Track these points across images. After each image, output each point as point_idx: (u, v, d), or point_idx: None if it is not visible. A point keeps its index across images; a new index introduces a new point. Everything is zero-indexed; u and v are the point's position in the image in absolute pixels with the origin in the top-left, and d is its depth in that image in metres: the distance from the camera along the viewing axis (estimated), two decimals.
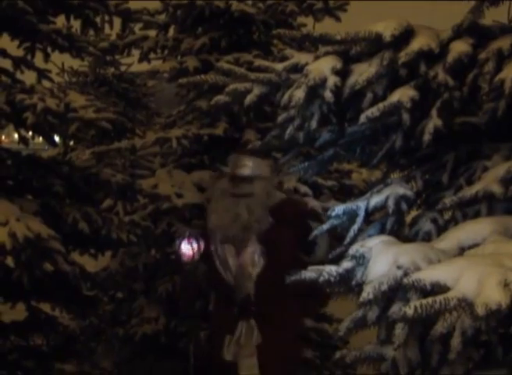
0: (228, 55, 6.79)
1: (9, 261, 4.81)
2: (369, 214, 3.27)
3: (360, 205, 3.24)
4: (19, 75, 5.64)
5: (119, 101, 11.09)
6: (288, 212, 4.76)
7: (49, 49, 5.58)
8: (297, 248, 4.62)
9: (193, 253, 4.59)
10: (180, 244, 4.63)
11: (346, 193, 7.71)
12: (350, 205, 3.25)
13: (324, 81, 3.12)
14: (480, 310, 2.07)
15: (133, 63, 11.30)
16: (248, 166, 4.70)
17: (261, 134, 6.69)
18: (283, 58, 3.55)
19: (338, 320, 7.18)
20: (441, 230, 3.10)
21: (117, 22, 6.20)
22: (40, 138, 5.54)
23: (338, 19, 7.12)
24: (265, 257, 4.63)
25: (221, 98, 3.47)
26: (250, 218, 4.60)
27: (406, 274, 2.38)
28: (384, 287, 2.39)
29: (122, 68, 11.70)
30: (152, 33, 7.40)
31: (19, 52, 5.69)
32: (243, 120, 6.83)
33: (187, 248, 4.60)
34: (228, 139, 6.83)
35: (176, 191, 6.48)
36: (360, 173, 10.03)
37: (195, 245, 4.60)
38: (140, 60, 7.37)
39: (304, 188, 6.63)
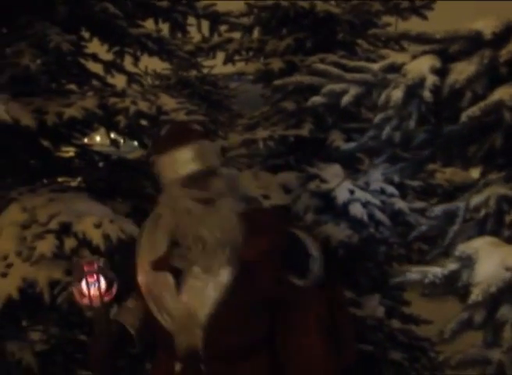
0: (313, 56, 6.77)
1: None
2: (469, 215, 3.23)
3: (460, 205, 3.21)
4: (109, 79, 5.74)
5: (202, 103, 11.18)
6: (267, 219, 3.19)
7: (138, 53, 5.66)
8: (281, 270, 3.05)
9: (97, 295, 3.20)
10: (79, 278, 3.21)
11: (429, 193, 7.62)
12: (449, 206, 3.21)
13: (423, 81, 3.09)
14: None
15: (215, 65, 11.39)
16: (191, 158, 3.08)
17: (346, 135, 6.66)
18: (375, 58, 3.52)
19: (425, 322, 7.11)
20: None
21: (203, 24, 6.26)
22: (123, 141, 5.61)
23: (425, 17, 7.04)
24: (226, 288, 3.05)
25: (317, 99, 3.46)
26: (217, 238, 3.05)
27: None
28: (493, 289, 2.36)
29: (205, 70, 11.81)
30: (237, 35, 7.43)
31: (109, 56, 5.78)
32: (329, 121, 6.80)
33: (88, 287, 3.21)
34: (313, 140, 6.82)
35: (262, 193, 6.48)
36: (444, 172, 9.91)
37: (101, 284, 3.21)
38: (225, 62, 7.41)
39: (390, 189, 6.57)
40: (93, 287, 3.17)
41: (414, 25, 6.77)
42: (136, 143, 5.63)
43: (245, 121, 8.52)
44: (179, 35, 6.38)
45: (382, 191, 6.48)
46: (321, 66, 3.47)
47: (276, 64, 6.94)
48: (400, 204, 6.44)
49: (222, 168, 3.21)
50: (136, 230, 4.78)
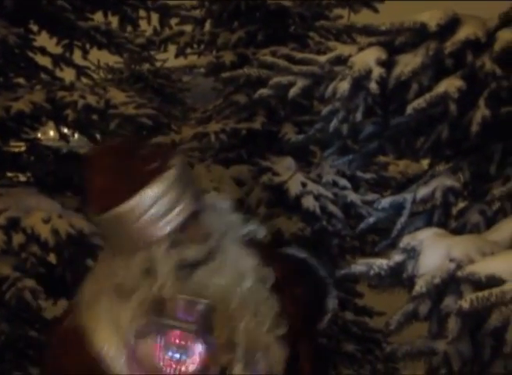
0: (265, 49, 6.76)
1: (52, 258, 4.84)
2: (416, 206, 3.24)
3: (407, 197, 3.21)
4: (58, 72, 5.67)
5: (155, 97, 11.10)
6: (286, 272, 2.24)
7: (88, 46, 5.60)
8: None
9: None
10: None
11: (383, 185, 7.66)
12: (396, 198, 3.22)
13: (369, 73, 3.08)
14: None
15: (168, 59, 11.34)
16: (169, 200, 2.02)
17: (298, 128, 6.67)
18: (325, 51, 3.52)
19: (378, 314, 7.15)
20: (489, 221, 3.06)
21: (154, 17, 6.22)
22: (76, 136, 5.56)
23: (376, 10, 7.06)
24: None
25: (264, 92, 3.44)
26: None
27: (459, 267, 2.35)
28: (437, 281, 2.36)
29: (158, 64, 11.74)
30: (188, 28, 7.39)
31: (58, 50, 5.71)
32: (281, 114, 6.80)
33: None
34: (266, 133, 6.81)
35: (214, 186, 6.46)
36: (397, 165, 9.98)
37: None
38: (177, 55, 7.37)
39: (342, 181, 6.58)
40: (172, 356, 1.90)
41: (370, 18, 6.80)
42: None
43: (198, 115, 8.49)
44: (130, 28, 6.34)
45: (335, 184, 6.51)
46: (269, 59, 3.46)
47: (228, 57, 6.92)
48: (352, 196, 6.48)
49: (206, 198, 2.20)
50: (86, 225, 4.74)
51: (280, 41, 7.08)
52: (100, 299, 2.04)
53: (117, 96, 4.76)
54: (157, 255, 1.99)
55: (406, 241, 2.59)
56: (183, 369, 1.91)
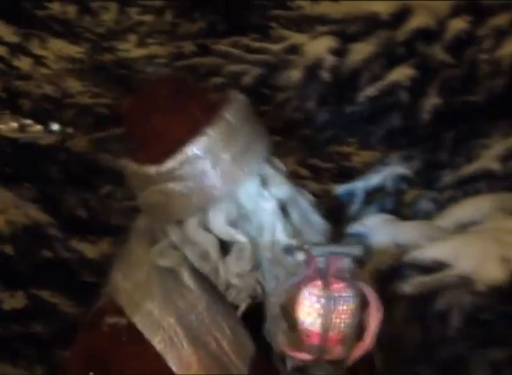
0: (225, 39, 6.75)
1: (8, 249, 4.80)
2: (369, 194, 3.26)
3: (360, 185, 3.23)
4: (15, 62, 5.60)
5: (118, 88, 11.02)
6: None
7: (45, 35, 5.55)
8: None
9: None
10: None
11: (346, 175, 7.69)
12: (348, 186, 3.24)
13: (321, 61, 3.10)
14: (480, 286, 2.06)
15: (130, 49, 11.25)
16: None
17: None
18: (280, 40, 3.53)
19: None
20: (441, 208, 3.08)
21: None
22: (38, 126, 5.54)
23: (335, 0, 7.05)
24: None
25: (218, 80, 3.45)
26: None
27: (405, 252, 2.38)
28: (383, 266, 2.38)
29: (120, 54, 11.64)
30: (149, 18, 7.36)
31: (16, 39, 5.65)
32: None
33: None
34: None
35: None
36: (360, 155, 10.01)
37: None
38: (138, 45, 7.35)
39: (303, 171, 6.60)
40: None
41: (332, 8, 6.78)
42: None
43: None
44: (89, 18, 6.29)
45: (295, 173, 6.51)
46: (223, 48, 3.46)
47: (188, 47, 6.91)
48: (313, 186, 6.49)
49: None
50: (42, 216, 4.72)
51: (242, 31, 7.06)
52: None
53: (73, 86, 4.74)
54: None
55: (354, 227, 2.62)
56: None
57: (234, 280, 1.60)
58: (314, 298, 1.43)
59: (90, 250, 6.09)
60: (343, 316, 1.43)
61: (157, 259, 1.63)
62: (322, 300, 1.41)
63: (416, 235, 2.47)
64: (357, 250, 1.47)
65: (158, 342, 1.62)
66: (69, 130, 9.33)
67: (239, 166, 1.57)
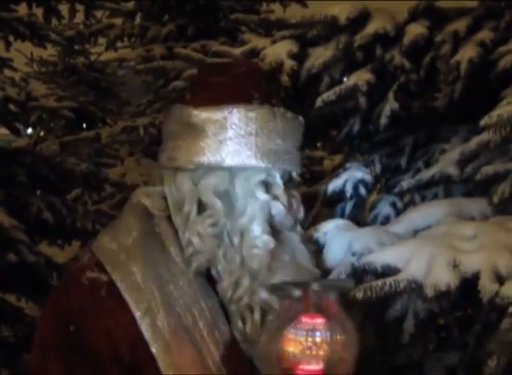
0: (195, 43, 6.75)
1: None
2: (329, 199, 3.27)
3: (319, 189, 3.24)
4: None
5: (90, 91, 11.00)
6: None
7: (11, 38, 5.51)
8: None
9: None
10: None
11: (317, 180, 7.71)
12: (308, 190, 3.24)
13: (280, 65, 3.10)
14: (429, 291, 2.06)
15: (102, 52, 11.23)
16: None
17: None
18: (242, 43, 3.53)
19: None
20: (400, 213, 3.09)
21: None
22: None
23: (305, 5, 7.08)
24: None
25: (178, 84, 3.44)
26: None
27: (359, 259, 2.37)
28: (343, 276, 2.37)
29: (92, 57, 11.62)
30: (119, 21, 7.36)
31: None
32: None
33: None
34: None
35: (144, 180, 6.44)
36: (332, 159, 10.03)
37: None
38: (107, 48, 7.35)
39: None
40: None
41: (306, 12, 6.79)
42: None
43: (133, 108, 8.44)
44: (57, 21, 6.26)
45: None
46: (183, 51, 3.45)
47: (158, 50, 6.92)
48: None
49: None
50: (7, 219, 4.68)
51: (211, 35, 7.07)
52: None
53: (38, 88, 4.71)
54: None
55: (309, 233, 2.61)
56: None
57: (195, 239, 1.65)
58: (297, 332, 1.47)
59: (57, 254, 6.07)
60: (325, 348, 1.46)
61: (141, 197, 1.73)
62: (307, 333, 1.45)
63: (370, 242, 2.46)
64: (348, 283, 1.60)
65: (135, 303, 1.65)
66: (40, 133, 9.34)
67: (270, 156, 1.66)
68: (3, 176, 5.37)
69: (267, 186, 1.69)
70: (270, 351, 1.52)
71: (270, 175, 1.68)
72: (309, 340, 1.47)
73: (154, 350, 1.63)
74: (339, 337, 1.47)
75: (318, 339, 1.47)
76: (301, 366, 1.49)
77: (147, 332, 1.64)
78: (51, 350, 1.70)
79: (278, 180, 1.69)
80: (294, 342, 1.48)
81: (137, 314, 1.64)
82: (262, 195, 1.66)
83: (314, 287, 1.50)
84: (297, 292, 1.52)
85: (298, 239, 1.78)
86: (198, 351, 1.64)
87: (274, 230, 1.69)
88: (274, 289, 1.59)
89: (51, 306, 1.79)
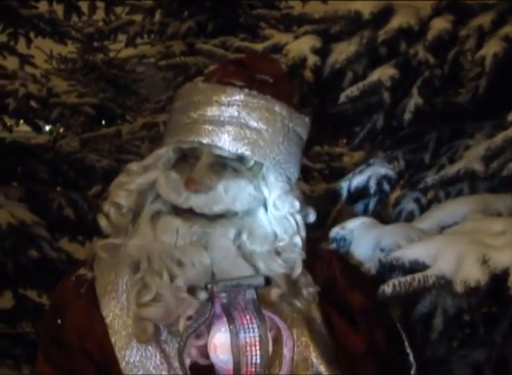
0: (214, 39, 6.74)
1: None
2: (352, 195, 3.25)
3: (343, 185, 3.23)
4: (1, 61, 5.59)
5: (109, 88, 11.02)
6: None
7: (32, 35, 5.53)
8: None
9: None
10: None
11: (336, 176, 7.69)
12: (332, 186, 3.23)
13: (303, 61, 3.09)
14: (459, 287, 2.04)
15: (121, 49, 11.25)
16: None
17: None
18: (264, 39, 3.52)
19: None
20: (424, 209, 3.07)
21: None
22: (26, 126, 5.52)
23: (324, 1, 7.07)
24: None
25: (200, 80, 3.43)
26: None
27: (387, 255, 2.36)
28: (372, 272, 2.35)
29: (111, 54, 11.64)
30: (138, 18, 7.36)
31: (2, 38, 5.64)
32: None
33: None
34: None
35: None
36: (352, 156, 9.99)
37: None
38: (127, 45, 7.36)
39: None
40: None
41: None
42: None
43: (152, 105, 8.45)
44: (78, 17, 6.28)
45: None
46: (205, 47, 3.44)
47: (178, 47, 6.91)
48: (303, 186, 6.47)
49: None
50: (28, 216, 4.70)
51: (231, 31, 7.07)
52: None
53: (59, 85, 4.72)
54: None
55: (335, 230, 2.60)
56: None
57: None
58: (222, 335, 1.45)
59: (78, 250, 6.08)
60: (253, 349, 1.44)
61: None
62: (230, 335, 1.43)
63: (399, 238, 2.45)
64: (257, 281, 1.52)
65: (106, 306, 1.71)
66: (60, 130, 9.37)
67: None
68: (24, 173, 5.40)
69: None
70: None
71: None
72: (217, 341, 1.47)
73: (118, 355, 1.67)
74: (252, 337, 1.45)
75: (223, 340, 1.46)
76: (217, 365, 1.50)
77: (112, 337, 1.68)
78: (41, 342, 1.79)
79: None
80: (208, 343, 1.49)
81: (107, 319, 1.69)
82: (250, 186, 1.70)
83: (220, 287, 1.49)
84: (203, 294, 1.53)
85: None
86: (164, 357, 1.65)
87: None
88: (189, 291, 1.59)
89: (51, 300, 1.88)
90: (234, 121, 1.68)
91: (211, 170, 1.67)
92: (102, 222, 1.74)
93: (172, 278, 1.64)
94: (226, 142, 1.66)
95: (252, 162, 1.69)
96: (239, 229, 1.68)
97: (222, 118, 1.68)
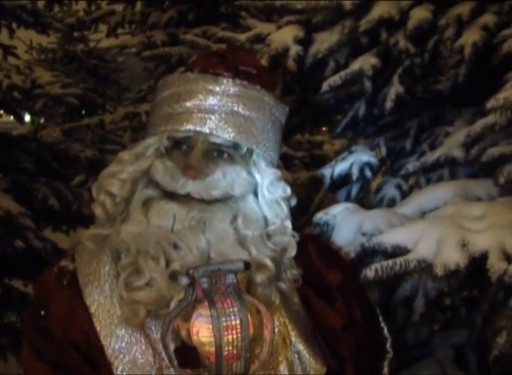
0: (196, 28, 6.75)
1: None
2: (334, 182, 3.30)
3: (325, 173, 3.28)
4: None
5: (89, 78, 10.99)
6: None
7: (14, 25, 5.53)
8: None
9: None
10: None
11: (318, 164, 7.72)
12: (314, 174, 3.28)
13: (286, 50, 3.13)
14: (439, 270, 2.10)
15: (102, 39, 11.21)
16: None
17: None
18: (247, 29, 3.56)
19: None
20: (405, 195, 3.13)
21: None
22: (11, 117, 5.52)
23: None
24: None
25: (182, 70, 3.46)
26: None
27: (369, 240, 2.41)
28: (351, 255, 2.41)
29: (92, 44, 11.61)
30: (119, 8, 7.36)
31: None
32: None
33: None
34: None
35: None
36: (333, 144, 10.03)
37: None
38: (108, 35, 7.35)
39: None
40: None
41: None
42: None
43: (132, 95, 8.45)
44: (59, 8, 6.29)
45: None
46: (189, 37, 3.48)
47: (159, 36, 6.92)
48: (285, 174, 6.50)
49: None
50: (14, 206, 4.72)
51: (212, 20, 7.07)
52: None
53: (43, 76, 4.73)
54: None
55: (319, 215, 2.65)
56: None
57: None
58: (203, 319, 1.50)
59: (62, 240, 6.10)
60: (234, 332, 1.49)
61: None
62: (211, 319, 1.49)
63: (380, 223, 2.51)
64: (236, 265, 1.57)
65: (89, 296, 1.73)
66: (41, 121, 9.35)
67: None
68: (8, 163, 5.41)
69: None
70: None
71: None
72: (199, 325, 1.52)
73: (104, 343, 1.70)
74: (233, 321, 1.50)
75: (205, 324, 1.51)
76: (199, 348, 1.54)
77: (97, 325, 1.71)
78: (25, 334, 1.80)
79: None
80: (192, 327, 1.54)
81: (92, 308, 1.72)
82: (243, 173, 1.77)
83: (200, 272, 1.53)
84: (184, 280, 1.62)
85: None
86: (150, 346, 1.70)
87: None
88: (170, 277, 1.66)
89: (34, 290, 1.91)
90: (229, 110, 1.73)
91: (207, 157, 1.73)
92: (97, 211, 1.76)
93: (168, 263, 1.68)
94: (222, 130, 1.72)
95: (245, 149, 1.74)
96: (235, 213, 1.74)
97: (216, 107, 1.73)
